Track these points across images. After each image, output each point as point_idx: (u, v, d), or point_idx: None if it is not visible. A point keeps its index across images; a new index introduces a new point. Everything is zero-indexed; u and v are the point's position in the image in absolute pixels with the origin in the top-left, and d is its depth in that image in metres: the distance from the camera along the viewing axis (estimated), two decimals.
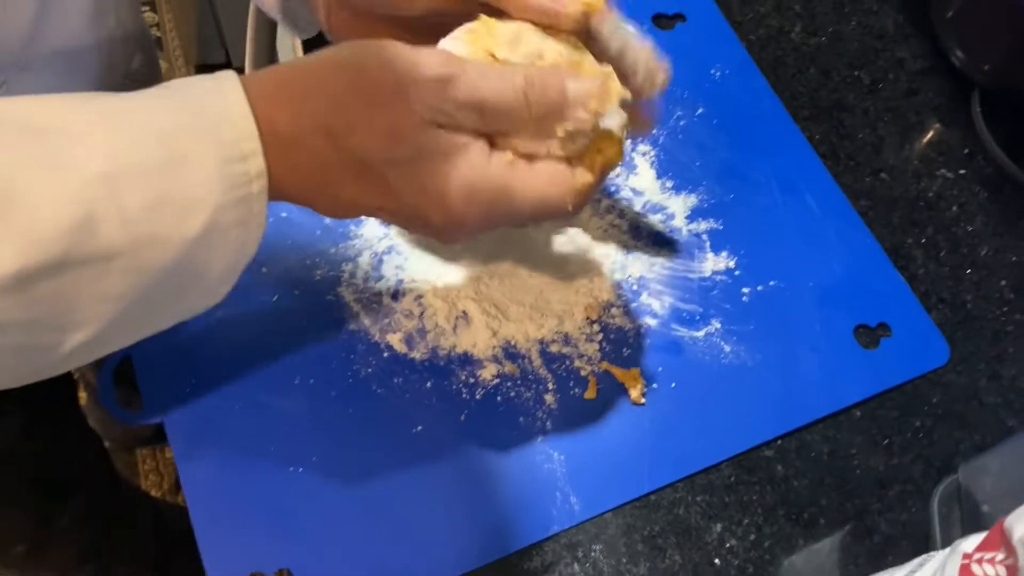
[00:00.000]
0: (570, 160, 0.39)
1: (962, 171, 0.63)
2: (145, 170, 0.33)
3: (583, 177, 0.38)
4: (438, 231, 0.38)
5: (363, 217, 0.55)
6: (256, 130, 0.35)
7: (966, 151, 0.64)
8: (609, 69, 0.39)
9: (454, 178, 0.36)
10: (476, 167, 0.36)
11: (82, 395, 1.24)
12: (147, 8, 1.80)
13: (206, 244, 0.34)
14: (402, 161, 0.36)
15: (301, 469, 0.49)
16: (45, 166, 0.31)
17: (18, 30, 0.45)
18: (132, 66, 0.57)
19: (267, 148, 0.35)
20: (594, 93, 0.36)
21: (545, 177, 0.38)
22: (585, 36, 0.40)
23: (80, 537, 0.86)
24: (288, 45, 0.83)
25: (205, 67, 1.60)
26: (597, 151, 0.39)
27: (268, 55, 0.85)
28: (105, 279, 0.33)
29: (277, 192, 0.36)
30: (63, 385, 0.80)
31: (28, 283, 0.31)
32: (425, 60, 0.35)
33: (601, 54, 0.41)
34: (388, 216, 0.39)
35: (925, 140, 0.64)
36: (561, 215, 0.39)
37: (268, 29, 0.83)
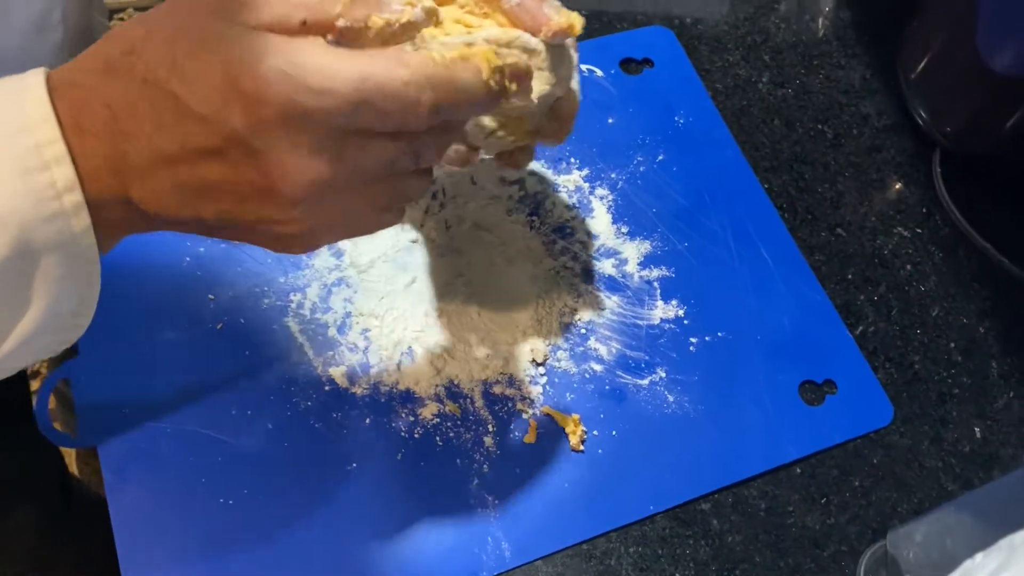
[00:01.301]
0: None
1: (919, 230, 0.63)
2: None
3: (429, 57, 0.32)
4: (259, 196, 0.31)
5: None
6: (60, 135, 0.31)
7: (924, 210, 0.64)
8: None
9: (243, 51, 0.30)
10: (265, 41, 0.30)
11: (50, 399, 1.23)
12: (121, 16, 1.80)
13: (24, 268, 0.32)
14: (185, 55, 0.30)
15: (231, 501, 0.49)
16: None
17: None
18: None
19: (77, 154, 0.31)
20: None
21: (365, 56, 0.31)
22: None
23: (24, 546, 0.85)
24: None
25: None
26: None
27: None
28: None
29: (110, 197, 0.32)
30: (17, 388, 0.80)
31: None
32: None
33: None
34: (196, 161, 0.32)
35: (884, 197, 0.65)
36: (399, 100, 0.31)
37: None
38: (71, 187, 0.31)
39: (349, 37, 0.31)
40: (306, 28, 0.31)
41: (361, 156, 0.31)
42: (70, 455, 1.24)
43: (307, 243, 0.35)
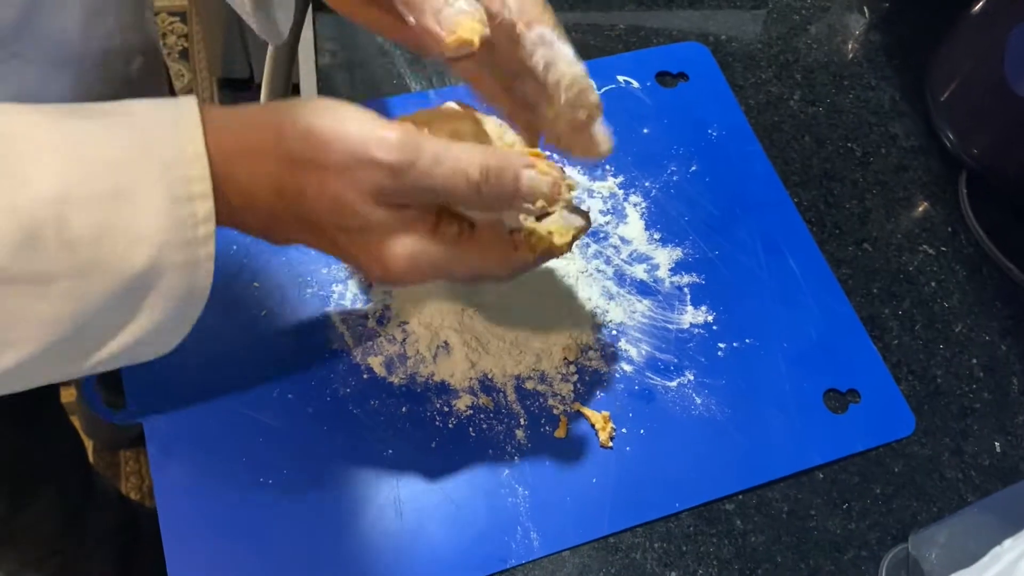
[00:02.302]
0: (514, 233, 0.41)
1: (944, 248, 0.64)
2: (94, 198, 0.33)
3: (523, 256, 0.41)
4: (377, 280, 0.42)
5: None
6: (208, 173, 0.35)
7: (949, 229, 0.65)
8: (561, 169, 0.40)
9: (398, 248, 0.38)
10: (419, 242, 0.38)
11: (72, 392, 1.25)
12: (177, 19, 1.84)
13: (149, 283, 0.35)
14: (348, 229, 0.38)
15: (271, 481, 0.50)
16: None
17: (8, 16, 0.45)
18: (131, 68, 0.58)
19: (217, 194, 0.35)
20: (545, 192, 0.38)
21: (485, 252, 0.40)
22: (508, 43, 0.41)
23: (46, 530, 0.87)
24: (310, 68, 0.86)
25: (228, 81, 1.64)
26: (545, 233, 0.41)
27: (286, 74, 0.87)
28: (43, 301, 0.33)
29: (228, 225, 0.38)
30: (46, 385, 0.81)
31: None
32: (382, 138, 0.36)
33: (523, 64, 0.42)
34: (333, 255, 0.41)
35: (910, 215, 0.66)
36: (494, 282, 0.42)
37: (287, 50, 0.85)
38: (207, 220, 0.35)
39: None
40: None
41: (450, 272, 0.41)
42: (89, 447, 1.26)
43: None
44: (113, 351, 0.37)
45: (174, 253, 0.35)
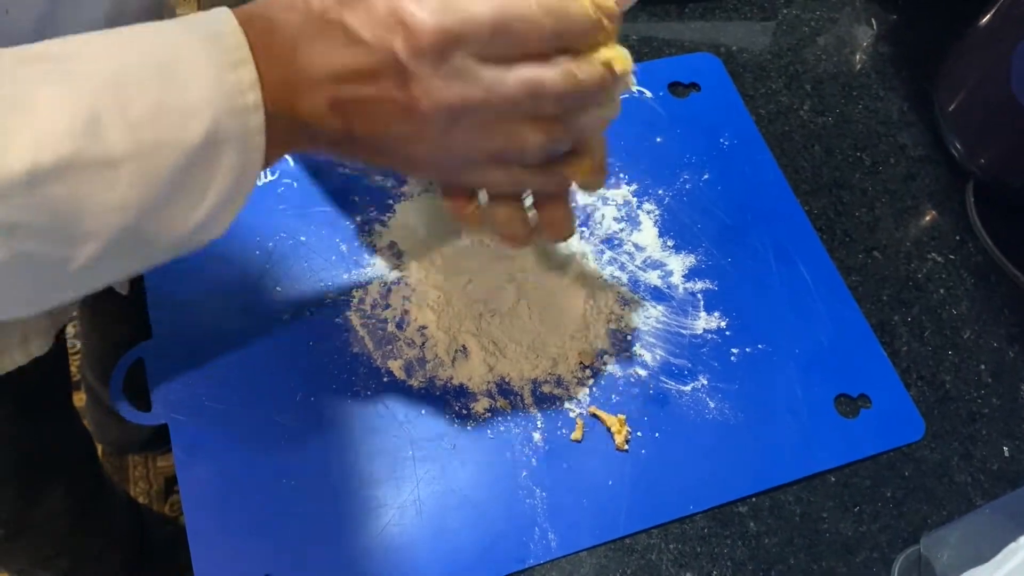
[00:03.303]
0: None
1: (952, 256, 0.66)
2: (146, 75, 0.34)
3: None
4: (409, 59, 0.35)
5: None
6: (244, 40, 0.36)
7: (957, 238, 0.66)
8: None
9: None
10: None
11: (81, 396, 1.26)
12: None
13: (208, 154, 0.35)
14: None
15: (294, 482, 0.51)
16: (53, 76, 0.33)
17: (34, 9, 0.46)
18: None
19: (259, 67, 0.36)
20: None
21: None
22: None
23: (56, 528, 0.87)
24: None
25: None
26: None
27: None
28: (112, 186, 0.34)
29: (271, 104, 0.37)
30: (58, 381, 0.82)
31: (39, 183, 0.32)
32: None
33: None
34: (357, 81, 0.37)
35: (919, 224, 0.67)
36: (528, 22, 0.36)
37: None
38: (253, 86, 0.36)
39: None
40: None
41: (493, 85, 0.36)
42: (97, 451, 1.27)
43: (430, 167, 0.40)
44: (179, 235, 0.37)
45: (228, 122, 0.35)
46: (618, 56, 0.39)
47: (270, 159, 0.39)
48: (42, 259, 0.34)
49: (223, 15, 0.37)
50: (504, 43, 0.36)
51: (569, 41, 0.38)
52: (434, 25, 0.34)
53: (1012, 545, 0.31)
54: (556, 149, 0.41)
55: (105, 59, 0.34)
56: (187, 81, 0.35)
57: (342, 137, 0.38)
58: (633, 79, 0.41)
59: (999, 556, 0.32)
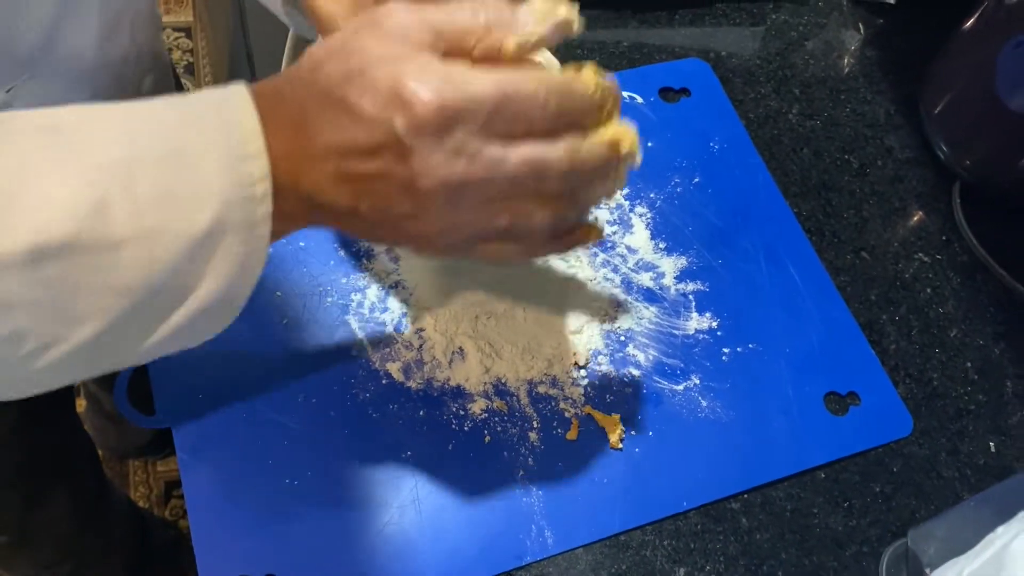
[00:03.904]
0: None
1: (939, 256, 0.67)
2: (157, 160, 0.34)
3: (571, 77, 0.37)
4: (410, 136, 0.35)
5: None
6: (260, 129, 0.36)
7: (944, 238, 0.68)
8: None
9: (406, 68, 0.35)
10: (425, 60, 0.35)
11: (82, 402, 1.27)
12: (182, 35, 1.87)
13: (212, 244, 0.35)
14: (356, 72, 0.36)
15: (296, 482, 0.52)
16: (63, 152, 0.33)
17: (31, 39, 0.47)
18: (144, 85, 0.60)
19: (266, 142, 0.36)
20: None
21: (509, 70, 0.36)
22: None
23: (60, 533, 0.88)
24: None
25: None
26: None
27: None
28: (113, 269, 0.33)
29: (277, 183, 0.37)
30: (62, 390, 0.83)
31: (39, 262, 0.32)
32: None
33: None
34: (360, 156, 0.36)
35: (906, 225, 0.68)
36: (530, 101, 0.36)
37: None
38: (264, 177, 0.36)
39: (489, 58, 0.37)
40: (450, 53, 0.36)
41: (495, 163, 0.36)
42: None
43: (437, 246, 0.39)
44: (176, 325, 0.37)
45: (235, 212, 0.35)
46: (624, 134, 0.39)
47: (276, 237, 0.39)
48: (35, 338, 0.34)
49: (239, 98, 0.36)
50: (506, 121, 0.35)
51: (573, 119, 0.37)
52: (434, 102, 0.34)
53: (990, 536, 0.32)
54: (563, 223, 0.41)
55: (116, 139, 0.34)
56: (198, 169, 0.35)
57: (347, 212, 0.38)
58: (639, 156, 0.40)
59: (978, 546, 0.33)
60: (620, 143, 0.38)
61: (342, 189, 0.37)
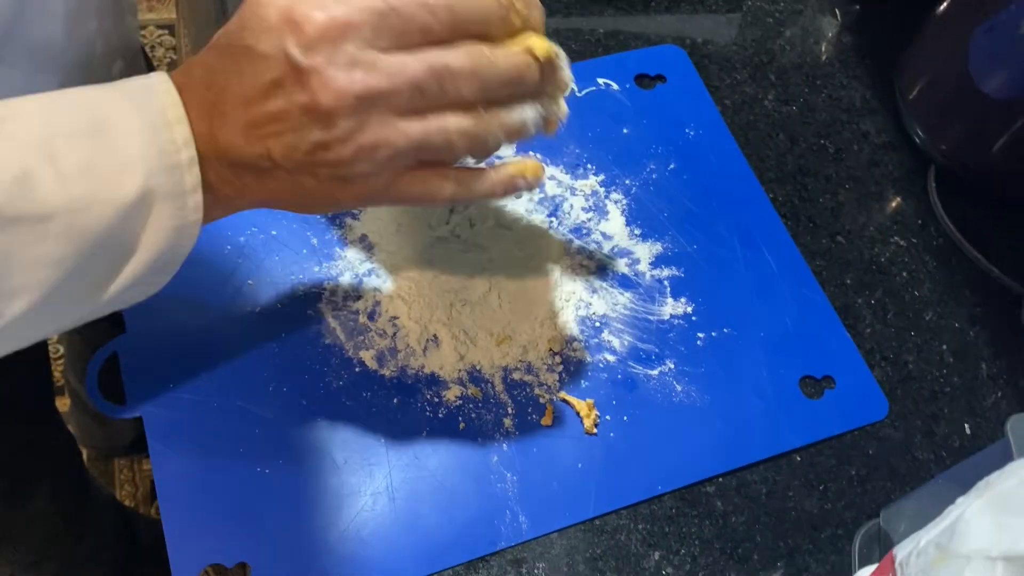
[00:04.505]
0: None
1: (914, 240, 0.67)
2: (79, 132, 0.35)
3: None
4: (304, 56, 0.35)
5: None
6: (179, 99, 0.37)
7: (919, 222, 0.68)
8: None
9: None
10: None
11: (65, 401, 1.27)
12: (165, 32, 1.86)
13: (141, 213, 0.36)
14: (249, 16, 0.36)
15: (268, 470, 0.52)
16: None
17: None
18: (112, 72, 0.60)
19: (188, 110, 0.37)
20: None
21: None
22: None
23: (43, 533, 0.88)
24: None
25: None
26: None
27: None
28: (42, 241, 0.34)
29: (204, 148, 0.37)
30: (42, 386, 0.83)
31: None
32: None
33: None
34: (264, 98, 0.36)
35: (882, 209, 0.69)
36: (426, 9, 0.36)
37: None
38: (188, 142, 0.36)
39: None
40: None
41: (395, 70, 0.36)
42: (83, 456, 1.27)
43: (361, 188, 0.38)
44: (115, 292, 0.38)
45: (161, 178, 0.36)
46: (540, 43, 0.38)
47: (211, 217, 0.39)
48: None
49: (158, 77, 0.38)
50: (398, 29, 0.35)
51: (473, 28, 0.37)
52: (322, 16, 0.35)
53: (950, 507, 0.33)
54: (488, 142, 0.40)
55: (38, 119, 0.35)
56: (120, 138, 0.35)
57: (265, 165, 0.38)
58: (569, 76, 0.39)
59: (938, 517, 0.33)
60: (534, 49, 0.38)
61: (252, 137, 0.37)
